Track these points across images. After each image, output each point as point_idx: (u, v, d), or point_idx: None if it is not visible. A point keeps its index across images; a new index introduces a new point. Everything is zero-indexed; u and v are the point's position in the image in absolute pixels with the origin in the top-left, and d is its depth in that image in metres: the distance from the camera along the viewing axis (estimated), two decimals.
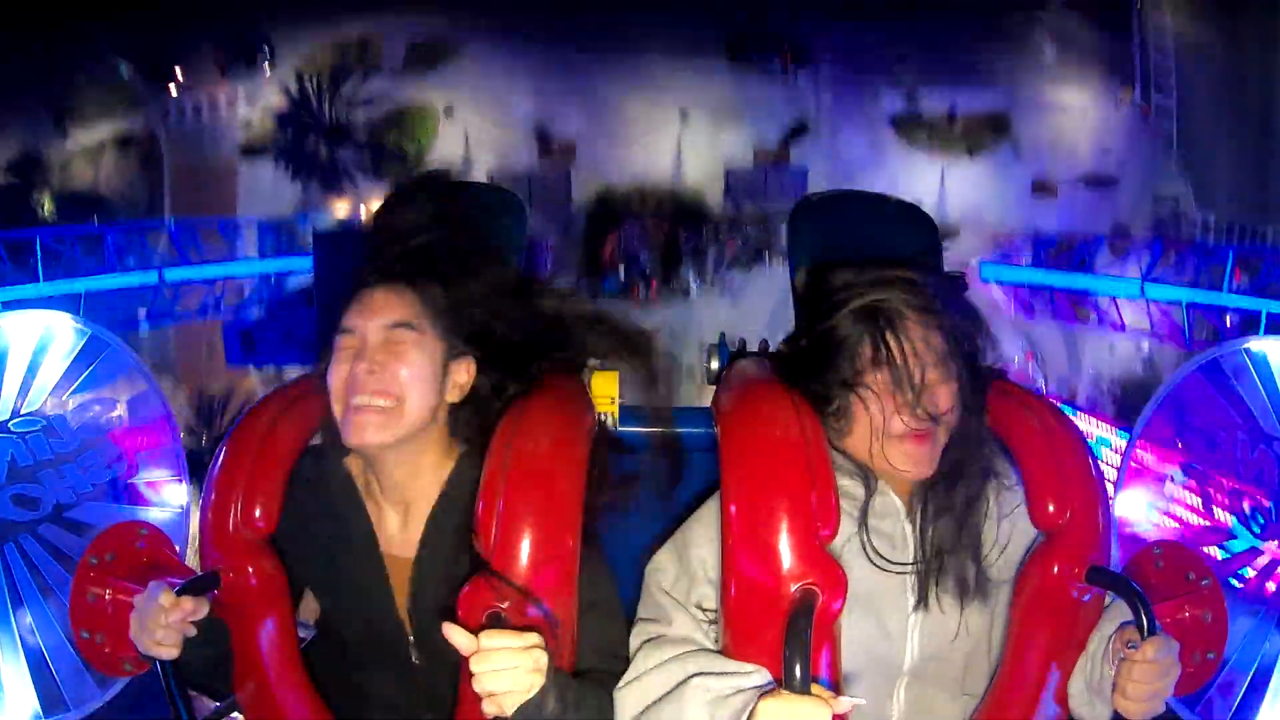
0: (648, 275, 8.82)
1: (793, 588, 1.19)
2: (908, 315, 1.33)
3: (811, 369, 1.37)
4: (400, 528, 1.40)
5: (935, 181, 9.01)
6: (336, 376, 1.34)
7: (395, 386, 1.32)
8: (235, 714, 1.46)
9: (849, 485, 1.37)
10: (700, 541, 1.36)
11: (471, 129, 9.21)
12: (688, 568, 1.36)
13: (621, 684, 1.28)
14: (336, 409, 1.34)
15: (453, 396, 1.38)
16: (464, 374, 1.39)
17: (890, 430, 1.31)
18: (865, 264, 1.40)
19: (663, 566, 1.39)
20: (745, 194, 9.01)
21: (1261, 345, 1.77)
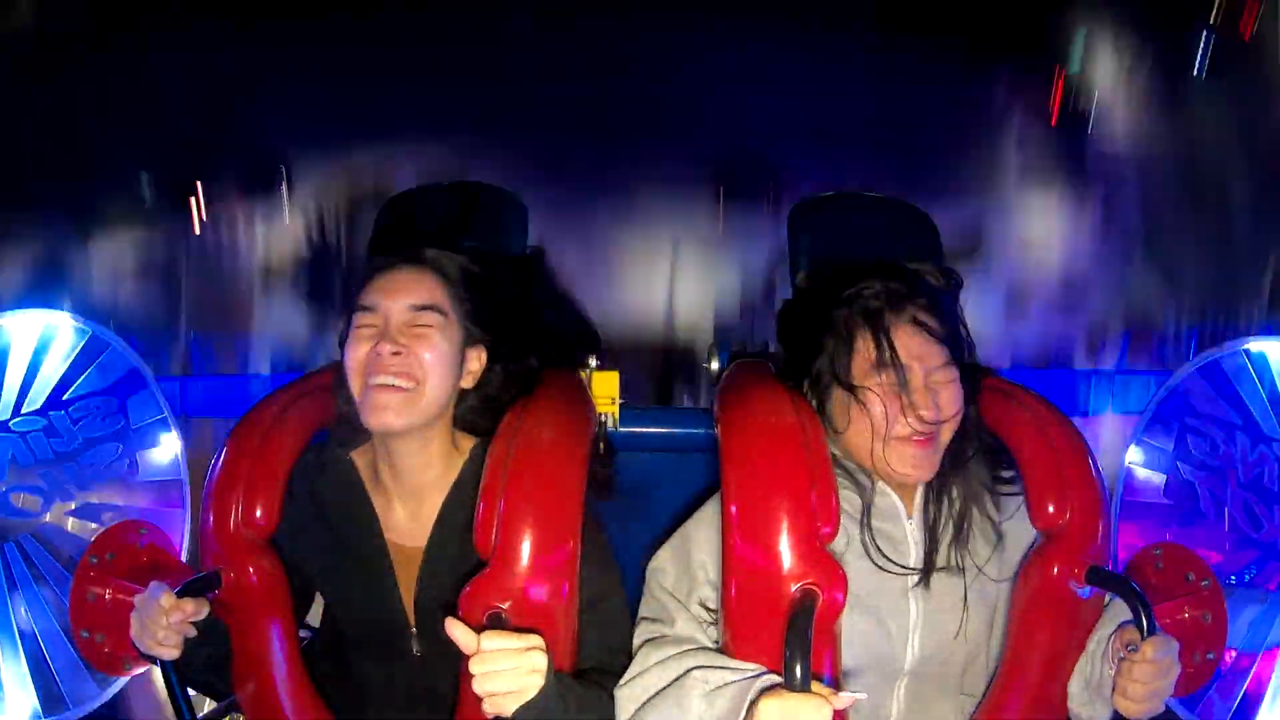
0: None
1: (793, 587, 1.19)
2: (911, 316, 1.34)
3: (813, 370, 1.37)
4: (410, 518, 1.40)
5: None
6: (356, 355, 1.34)
7: (418, 370, 1.32)
8: (235, 714, 1.46)
9: (850, 487, 1.37)
10: (700, 542, 1.36)
11: None
12: (688, 568, 1.36)
13: (622, 682, 1.28)
14: (355, 386, 1.34)
15: (466, 383, 1.39)
16: (476, 361, 1.40)
17: (894, 433, 1.32)
18: (866, 265, 1.40)
19: (664, 566, 1.39)
20: (729, 338, 10.37)
21: (1261, 346, 1.78)
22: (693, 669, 1.20)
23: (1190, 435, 1.83)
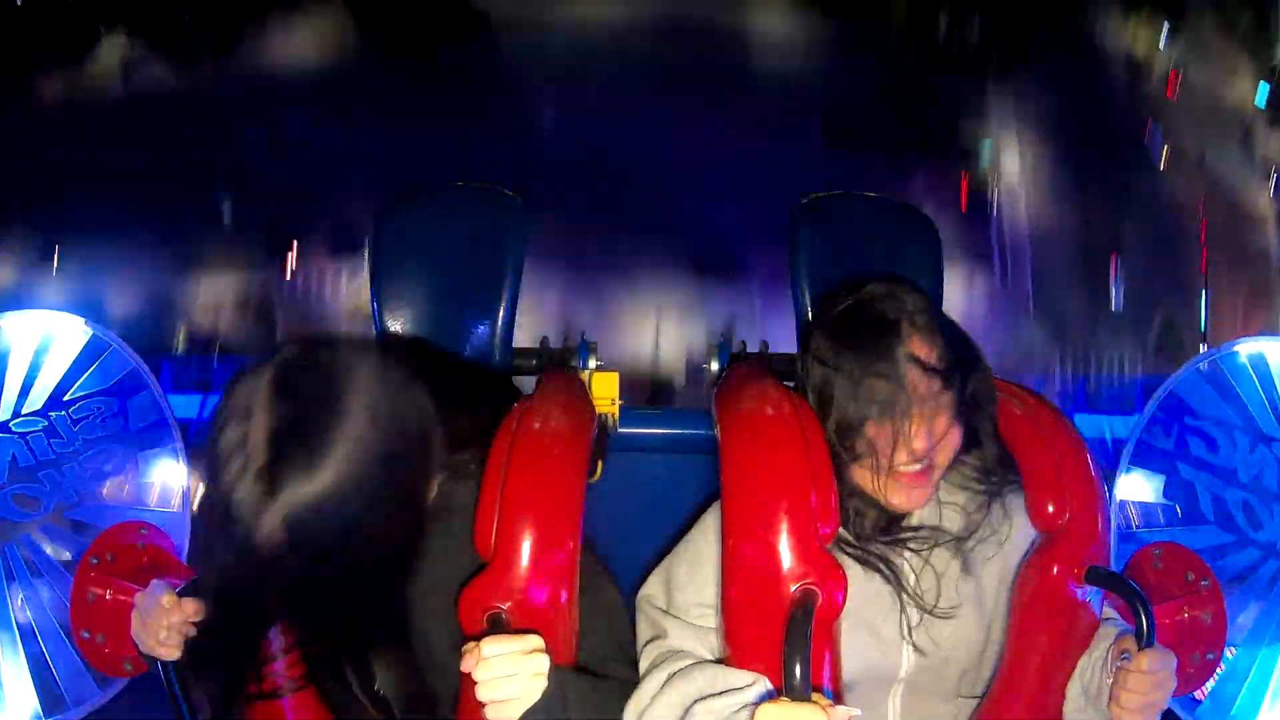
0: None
1: (792, 587, 1.19)
2: (910, 349, 1.29)
3: (820, 395, 1.36)
4: None
5: None
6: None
7: None
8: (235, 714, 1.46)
9: (852, 504, 1.36)
10: (685, 558, 1.36)
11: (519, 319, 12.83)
12: (678, 582, 1.36)
13: (626, 714, 1.27)
14: None
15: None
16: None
17: (891, 468, 1.30)
18: (866, 289, 1.37)
19: (652, 592, 1.39)
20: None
21: (1260, 346, 1.78)
22: (695, 703, 1.19)
23: (1190, 435, 1.83)
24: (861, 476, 1.32)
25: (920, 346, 1.30)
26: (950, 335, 1.35)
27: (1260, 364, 1.78)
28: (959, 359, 1.34)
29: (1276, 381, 1.76)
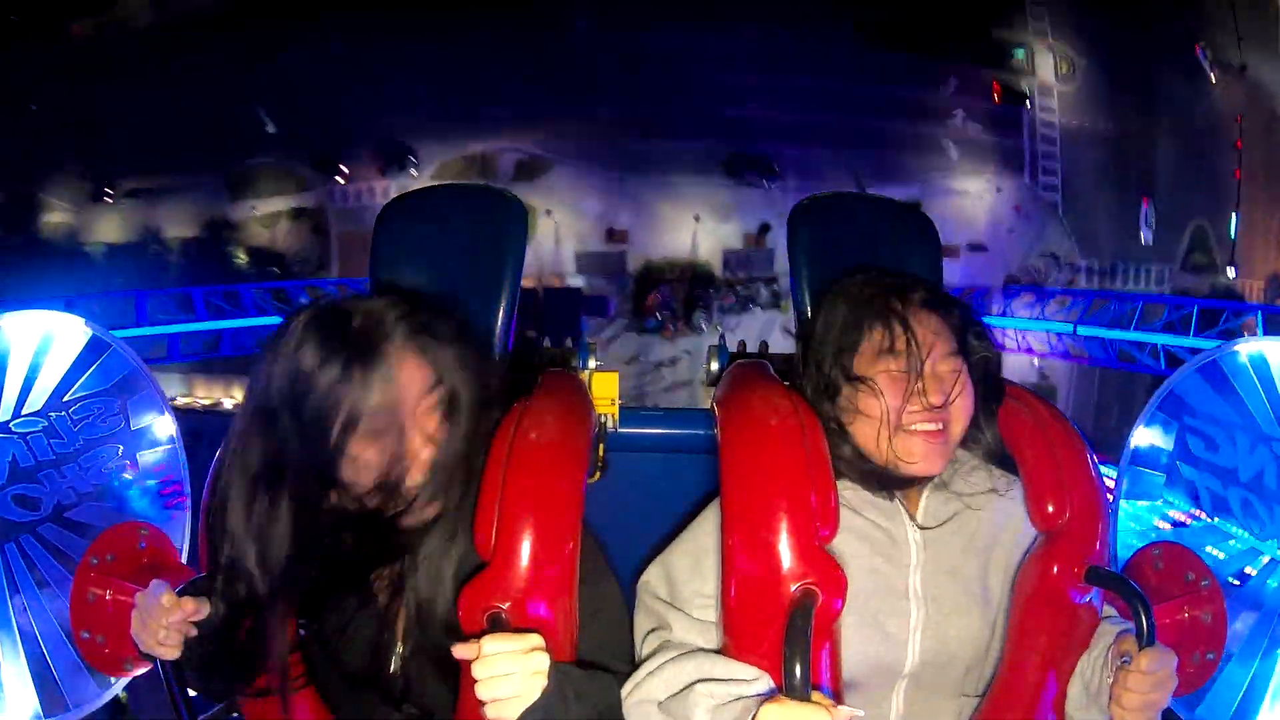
0: (675, 318, 13.79)
1: (792, 587, 1.19)
2: (919, 301, 1.35)
3: (824, 361, 1.38)
4: None
5: None
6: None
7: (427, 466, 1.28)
8: (236, 714, 1.46)
9: (850, 487, 1.37)
10: (687, 551, 1.37)
11: (561, 224, 13.67)
12: (680, 573, 1.36)
13: (625, 692, 1.28)
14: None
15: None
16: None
17: (903, 423, 1.32)
18: (874, 269, 1.43)
19: (651, 579, 1.40)
20: (736, 267, 13.77)
21: (1260, 346, 1.78)
22: (696, 683, 1.20)
23: (1190, 435, 1.83)
24: (868, 438, 1.33)
25: (931, 312, 1.35)
26: (962, 312, 1.39)
27: (1260, 364, 1.77)
28: (970, 329, 1.39)
29: (1276, 381, 1.76)
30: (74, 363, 1.83)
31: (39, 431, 1.79)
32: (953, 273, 12.50)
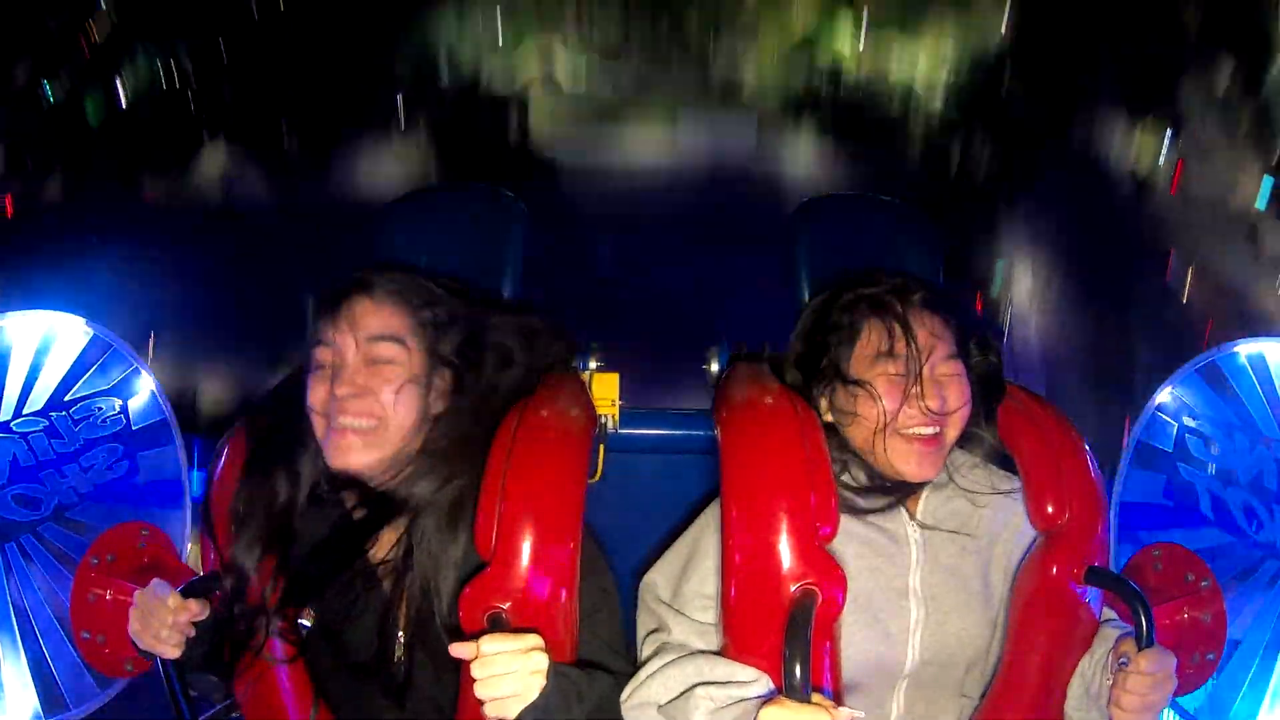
0: None
1: (792, 587, 1.19)
2: (918, 303, 1.35)
3: (821, 362, 1.38)
4: (394, 530, 1.39)
5: None
6: (315, 397, 1.30)
7: (379, 408, 1.29)
8: (236, 714, 1.46)
9: (851, 487, 1.37)
10: (687, 553, 1.37)
11: None
12: (682, 575, 1.36)
13: (624, 695, 1.28)
14: (317, 427, 1.31)
15: (436, 408, 1.35)
16: (445, 382, 1.36)
17: (899, 427, 1.32)
18: (873, 270, 1.42)
19: (654, 580, 1.40)
20: None
21: (1259, 346, 1.78)
22: (696, 686, 1.20)
23: (1190, 435, 1.83)
24: (865, 441, 1.33)
25: (931, 313, 1.34)
26: (963, 312, 1.39)
27: (1260, 364, 1.78)
28: (970, 333, 1.38)
29: (1276, 381, 1.76)
30: (75, 362, 1.84)
31: (40, 431, 1.79)
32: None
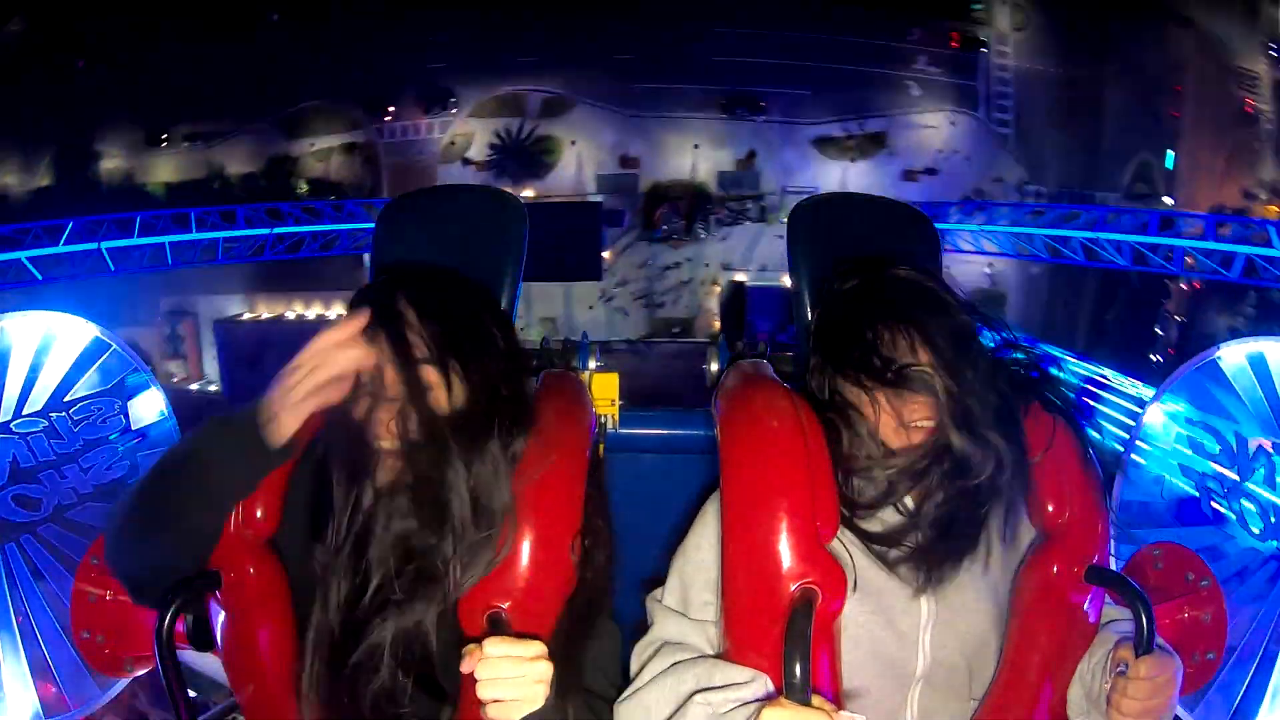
0: (678, 229, 16.78)
1: (792, 587, 1.19)
2: (903, 303, 1.34)
3: (821, 361, 1.37)
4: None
5: (839, 175, 16.27)
6: (357, 411, 1.27)
7: (415, 426, 1.26)
8: (235, 714, 1.46)
9: (857, 480, 1.36)
10: (691, 551, 1.36)
11: (584, 152, 16.72)
12: (685, 576, 1.36)
13: (622, 699, 1.27)
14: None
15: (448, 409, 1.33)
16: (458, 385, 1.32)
17: (902, 421, 1.31)
18: (865, 259, 1.42)
19: (663, 590, 1.39)
20: (729, 185, 16.94)
21: (1260, 346, 1.78)
22: (694, 692, 1.19)
23: (1190, 435, 1.83)
24: (867, 439, 1.33)
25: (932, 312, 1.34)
26: (964, 311, 1.38)
27: (1260, 364, 1.78)
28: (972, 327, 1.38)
29: (1276, 381, 1.76)
30: (75, 363, 1.84)
31: (39, 432, 1.79)
32: (914, 192, 15.41)
